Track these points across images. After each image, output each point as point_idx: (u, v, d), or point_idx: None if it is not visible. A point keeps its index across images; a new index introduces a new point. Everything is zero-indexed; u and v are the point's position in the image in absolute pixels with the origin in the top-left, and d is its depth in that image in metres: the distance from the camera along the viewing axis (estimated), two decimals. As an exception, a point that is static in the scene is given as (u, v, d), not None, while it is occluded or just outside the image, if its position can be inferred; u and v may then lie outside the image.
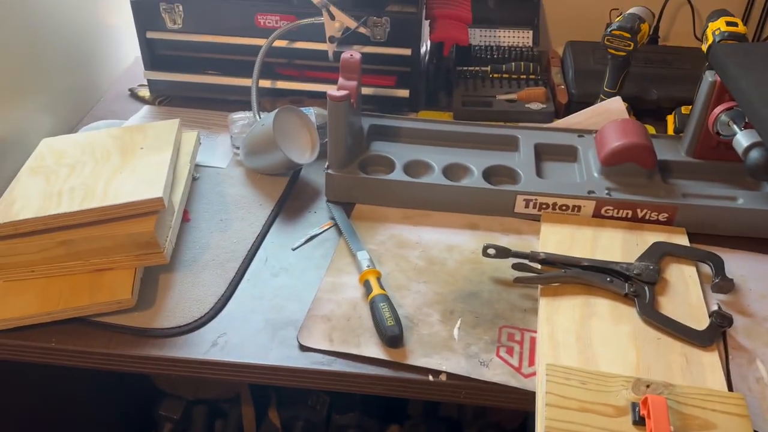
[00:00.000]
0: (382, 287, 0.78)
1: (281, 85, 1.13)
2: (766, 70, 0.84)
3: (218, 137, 1.09)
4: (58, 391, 1.07)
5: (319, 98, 1.12)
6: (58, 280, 0.76)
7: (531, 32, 1.33)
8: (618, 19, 0.98)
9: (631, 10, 0.99)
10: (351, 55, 0.96)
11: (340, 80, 0.95)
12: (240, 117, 1.04)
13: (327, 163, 0.94)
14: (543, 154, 1.00)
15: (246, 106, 1.08)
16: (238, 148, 1.04)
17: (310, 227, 0.91)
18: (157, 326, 0.75)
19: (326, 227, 0.91)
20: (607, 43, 0.98)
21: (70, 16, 1.13)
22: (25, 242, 0.74)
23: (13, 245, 0.74)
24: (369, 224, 0.91)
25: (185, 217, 0.90)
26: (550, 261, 0.81)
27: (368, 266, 0.81)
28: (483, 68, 1.24)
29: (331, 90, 0.88)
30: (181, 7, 1.09)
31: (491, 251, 0.82)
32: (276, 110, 0.94)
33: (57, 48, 1.09)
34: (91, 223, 0.75)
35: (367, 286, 0.79)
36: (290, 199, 0.97)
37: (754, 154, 0.81)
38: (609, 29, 0.97)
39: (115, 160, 0.86)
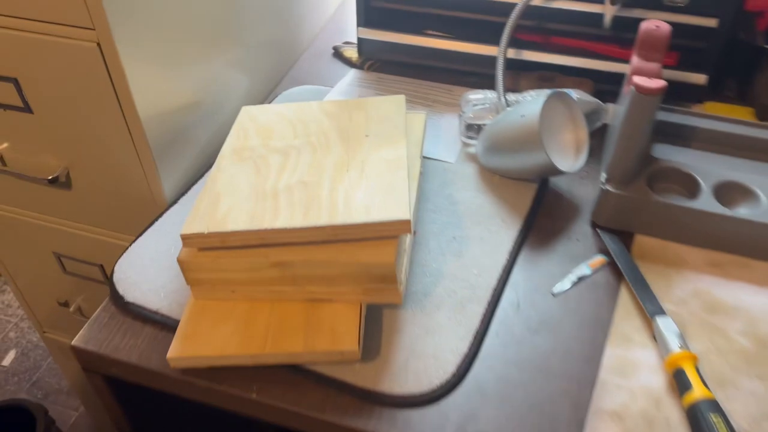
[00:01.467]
0: (705, 384, 0.54)
1: (528, 55, 0.88)
2: None
3: (442, 119, 0.87)
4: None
5: (571, 75, 0.86)
6: (264, 307, 0.59)
7: None
8: None
9: None
10: (657, 26, 0.69)
11: (636, 60, 0.68)
12: (477, 98, 0.81)
13: (604, 175, 0.69)
14: None
15: (477, 80, 0.85)
16: (470, 137, 0.81)
17: (573, 261, 0.68)
18: (385, 390, 0.56)
19: (597, 265, 0.67)
20: None
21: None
22: (231, 257, 0.57)
23: (216, 259, 0.57)
24: (659, 269, 0.66)
25: (413, 231, 0.70)
26: None
27: (680, 345, 0.57)
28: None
29: (641, 78, 0.62)
30: (412, -51, 0.86)
31: None
32: (544, 96, 0.70)
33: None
34: (316, 242, 0.56)
35: (680, 377, 0.55)
36: (540, 215, 0.73)
37: None
38: None
39: (336, 150, 0.67)
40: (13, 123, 0.75)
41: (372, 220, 0.55)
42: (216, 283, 0.59)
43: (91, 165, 0.76)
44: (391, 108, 0.74)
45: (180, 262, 0.58)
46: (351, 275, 0.57)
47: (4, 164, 0.81)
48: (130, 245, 0.69)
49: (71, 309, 0.95)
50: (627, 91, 0.65)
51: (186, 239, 0.56)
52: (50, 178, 0.76)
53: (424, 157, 0.80)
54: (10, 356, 1.51)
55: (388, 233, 0.56)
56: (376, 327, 0.61)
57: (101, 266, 0.90)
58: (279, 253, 0.56)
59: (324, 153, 0.66)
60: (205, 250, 0.58)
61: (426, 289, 0.64)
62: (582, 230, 0.71)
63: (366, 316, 0.60)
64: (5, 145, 0.78)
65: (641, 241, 0.69)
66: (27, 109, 0.72)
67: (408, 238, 0.62)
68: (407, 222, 0.55)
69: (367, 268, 0.56)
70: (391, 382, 0.56)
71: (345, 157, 0.65)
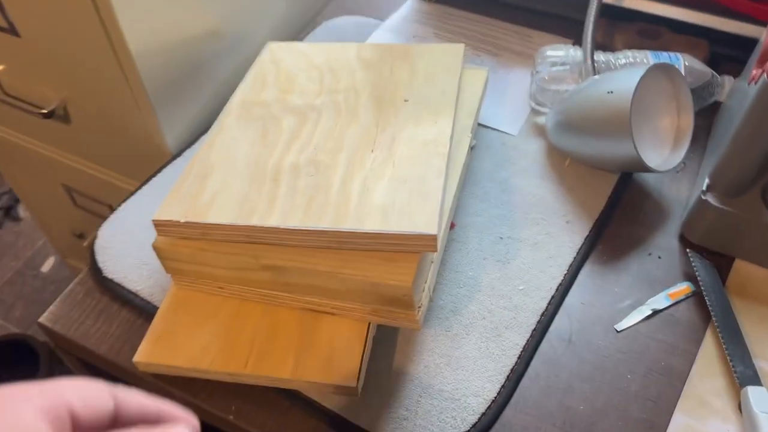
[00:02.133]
0: (805, 497, 0.40)
1: (630, 2, 0.69)
2: None
3: (510, 75, 0.71)
4: None
5: (682, 33, 0.68)
6: (254, 310, 0.49)
7: None
8: None
9: None
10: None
11: (779, 33, 0.50)
12: (557, 55, 0.64)
13: (707, 181, 0.53)
14: None
15: (565, 25, 0.68)
16: (540, 104, 0.66)
17: (649, 286, 0.53)
18: (385, 434, 0.46)
19: (680, 296, 0.53)
20: None
21: None
22: (215, 252, 0.46)
23: (198, 251, 0.47)
24: (760, 310, 0.51)
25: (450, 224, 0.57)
26: None
27: (776, 433, 0.43)
28: None
29: (783, 65, 0.45)
30: None
31: None
32: (642, 68, 0.53)
33: None
34: (317, 246, 0.45)
35: (768, 476, 0.42)
36: (616, 218, 0.58)
37: None
38: None
39: (365, 118, 0.53)
40: (2, 45, 0.65)
41: (387, 230, 0.42)
42: (199, 276, 0.49)
43: (88, 101, 0.66)
44: (444, 62, 0.59)
45: (156, 248, 0.47)
46: (357, 293, 0.45)
47: (4, 91, 0.72)
48: (118, 206, 0.59)
49: (85, 243, 0.89)
50: (756, 76, 0.48)
51: (159, 226, 0.46)
52: (45, 111, 0.66)
53: (480, 125, 0.65)
54: (50, 263, 1.51)
55: (406, 248, 0.43)
56: (387, 348, 0.50)
57: (110, 206, 0.82)
58: (270, 255, 0.45)
59: (349, 119, 0.53)
60: (184, 239, 0.47)
61: (456, 305, 0.52)
62: (666, 244, 0.56)
63: (375, 335, 0.49)
64: (1, 67, 0.68)
65: (742, 268, 0.54)
66: (12, 31, 0.61)
67: (439, 246, 0.50)
68: (432, 238, 0.42)
69: (378, 288, 0.44)
70: (395, 427, 0.46)
71: (373, 129, 0.52)
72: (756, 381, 0.46)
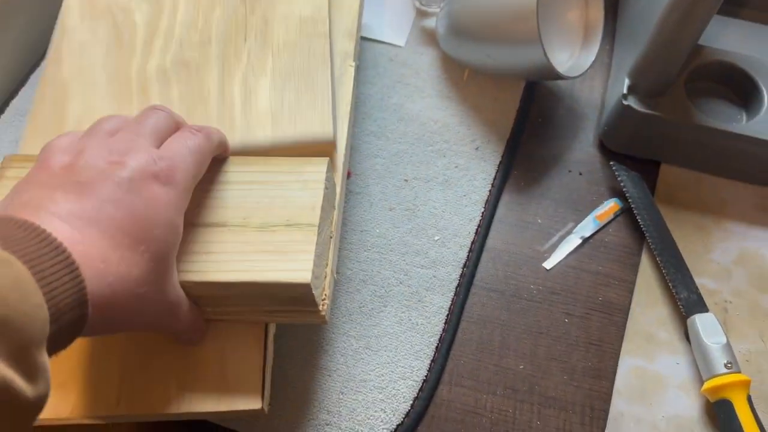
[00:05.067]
0: (761, 426, 0.38)
1: None
2: None
3: (387, -28, 0.59)
4: None
5: None
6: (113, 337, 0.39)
7: None
8: None
9: None
10: None
11: None
12: (439, -58, 0.53)
13: (627, 83, 0.46)
14: None
15: None
16: (425, 5, 0.56)
17: (575, 209, 0.48)
18: (307, 447, 0.39)
19: (608, 216, 0.47)
20: None
21: None
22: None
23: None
24: (692, 217, 0.47)
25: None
26: None
27: (726, 364, 0.39)
28: None
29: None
30: None
31: None
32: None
33: None
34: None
35: (724, 411, 0.39)
36: (527, 136, 0.51)
37: None
38: None
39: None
40: None
41: (281, 139, 0.37)
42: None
43: None
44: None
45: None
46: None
47: None
48: None
49: None
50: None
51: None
52: None
53: (362, 38, 0.55)
54: None
55: (302, 153, 0.37)
56: (290, 341, 0.42)
57: None
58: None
59: (211, 1, 0.44)
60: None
61: (366, 272, 0.44)
62: (586, 157, 0.50)
63: (275, 332, 0.40)
64: None
65: (669, 173, 0.49)
66: None
67: (336, 215, 0.40)
68: (330, 144, 0.37)
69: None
70: (316, 436, 0.39)
71: (241, 9, 0.43)
72: (702, 307, 0.42)
